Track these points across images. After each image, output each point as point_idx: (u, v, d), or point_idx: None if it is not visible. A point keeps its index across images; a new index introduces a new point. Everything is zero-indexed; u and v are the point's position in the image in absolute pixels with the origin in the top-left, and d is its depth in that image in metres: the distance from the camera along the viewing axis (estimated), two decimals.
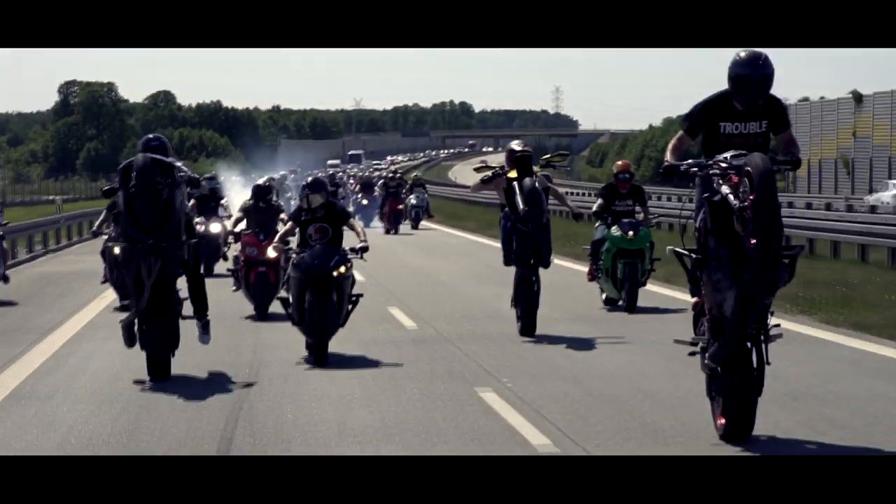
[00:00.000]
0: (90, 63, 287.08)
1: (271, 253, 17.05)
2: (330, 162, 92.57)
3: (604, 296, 19.52)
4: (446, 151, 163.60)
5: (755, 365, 9.78)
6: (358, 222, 15.84)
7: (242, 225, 19.32)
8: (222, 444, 10.41)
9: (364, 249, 14.76)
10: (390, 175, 49.00)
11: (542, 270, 16.31)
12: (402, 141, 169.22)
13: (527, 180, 16.14)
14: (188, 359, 14.05)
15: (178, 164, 13.71)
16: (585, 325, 17.50)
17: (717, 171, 9.65)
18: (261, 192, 19.71)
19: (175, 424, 11.16)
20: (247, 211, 19.46)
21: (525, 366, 14.10)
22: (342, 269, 14.46)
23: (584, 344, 15.65)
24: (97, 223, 20.67)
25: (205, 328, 13.97)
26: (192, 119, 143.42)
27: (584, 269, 20.49)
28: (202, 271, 14.44)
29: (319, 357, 14.23)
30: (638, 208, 19.74)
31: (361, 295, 15.16)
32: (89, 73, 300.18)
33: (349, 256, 14.62)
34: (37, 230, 35.93)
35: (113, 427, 11.09)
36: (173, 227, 13.30)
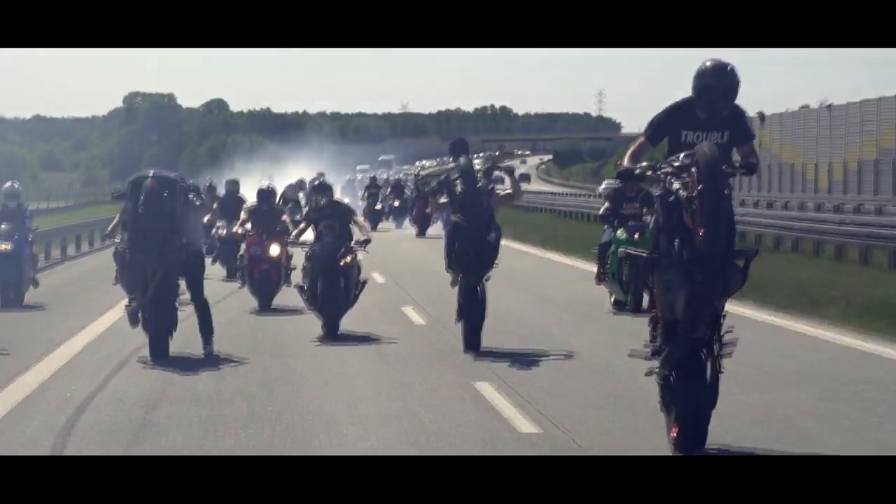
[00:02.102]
0: (145, 70, 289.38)
1: (273, 251, 18.81)
2: (359, 167, 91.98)
3: (612, 298, 18.81)
4: (479, 155, 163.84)
5: (709, 373, 9.10)
6: (361, 219, 17.06)
7: (248, 226, 19.97)
8: (230, 417, 10.96)
9: (367, 242, 16.18)
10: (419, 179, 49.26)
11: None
12: (442, 145, 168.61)
13: (462, 159, 14.67)
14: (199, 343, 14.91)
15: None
16: (592, 326, 17.08)
17: (670, 170, 9.03)
18: (264, 196, 20.39)
19: (193, 394, 12.10)
20: (251, 213, 20.27)
21: (526, 362, 13.77)
22: (348, 259, 15.94)
23: (588, 344, 15.11)
24: (110, 227, 20.45)
25: (206, 343, 14.80)
26: (243, 125, 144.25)
27: (594, 270, 19.82)
28: (226, 273, 17.03)
29: (330, 334, 15.71)
30: (645, 210, 18.97)
31: (367, 281, 16.57)
32: (142, 80, 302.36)
33: (354, 248, 16.07)
34: (67, 234, 35.66)
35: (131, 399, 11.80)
36: (175, 236, 14.39)
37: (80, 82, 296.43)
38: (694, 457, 8.65)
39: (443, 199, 15.00)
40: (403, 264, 26.71)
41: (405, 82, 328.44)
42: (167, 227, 14.31)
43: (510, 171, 15.31)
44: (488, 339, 15.34)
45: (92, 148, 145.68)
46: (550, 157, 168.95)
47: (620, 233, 18.50)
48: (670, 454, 9.02)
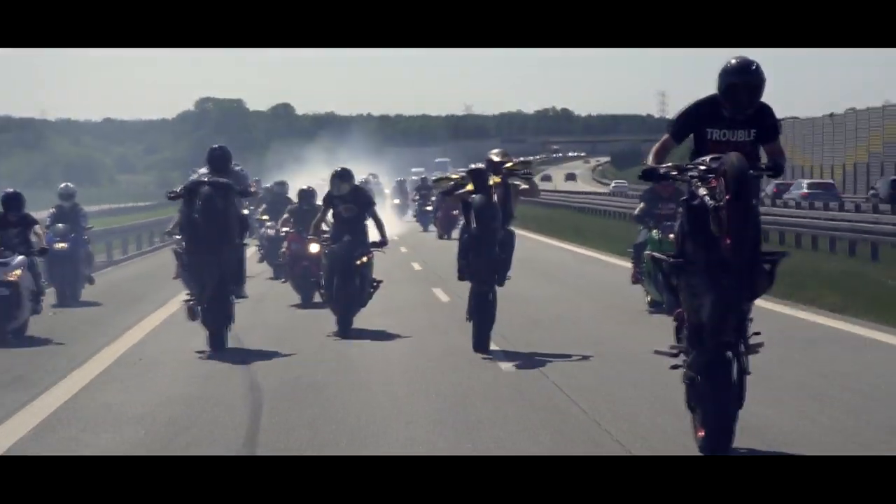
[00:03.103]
0: (212, 73, 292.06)
1: (313, 248, 18.90)
2: (414, 170, 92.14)
3: (648, 298, 18.53)
4: (536, 157, 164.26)
5: (735, 375, 8.81)
6: (379, 216, 16.89)
7: (290, 225, 20.70)
8: (258, 399, 11.55)
9: (383, 244, 16.53)
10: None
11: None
12: (501, 146, 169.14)
13: (478, 197, 14.15)
14: (247, 335, 15.78)
15: (238, 168, 15.56)
16: (628, 325, 16.98)
17: (696, 175, 8.77)
18: (305, 196, 21.02)
19: (229, 382, 12.71)
20: (293, 212, 20.89)
21: (558, 355, 13.83)
22: (364, 259, 16.27)
23: (620, 340, 15.11)
24: (171, 226, 20.74)
25: (238, 289, 15.50)
26: (308, 128, 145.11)
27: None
28: (273, 272, 17.92)
29: (343, 330, 15.97)
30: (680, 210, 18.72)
31: (381, 281, 16.81)
32: (209, 83, 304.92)
33: (371, 249, 16.40)
34: (119, 235, 35.90)
35: (180, 388, 12.34)
36: (230, 241, 14.89)
37: (148, 85, 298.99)
38: (718, 457, 8.39)
39: (448, 192, 14.86)
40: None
41: (470, 84, 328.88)
42: (223, 231, 14.72)
43: (527, 178, 14.99)
44: (520, 332, 15.52)
45: (163, 151, 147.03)
46: (608, 158, 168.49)
47: (655, 233, 18.18)
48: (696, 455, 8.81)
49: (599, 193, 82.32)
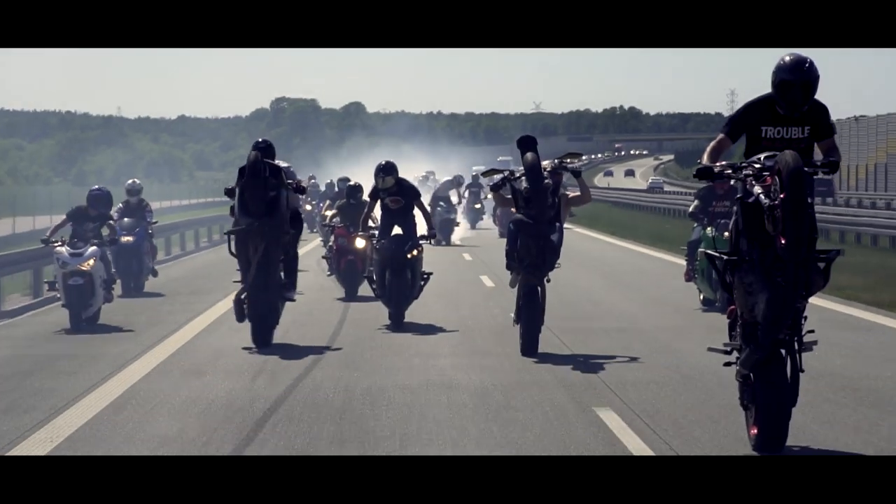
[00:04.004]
0: (285, 72, 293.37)
1: (359, 244, 19.43)
2: (475, 167, 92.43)
3: (701, 296, 18.36)
4: (600, 155, 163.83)
5: (789, 373, 8.79)
6: (426, 207, 17.38)
7: (337, 219, 21.10)
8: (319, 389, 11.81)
9: (432, 236, 16.82)
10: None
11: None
12: (568, 145, 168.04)
13: (528, 155, 13.68)
14: (295, 331, 15.77)
15: (285, 165, 15.14)
16: (680, 322, 16.87)
17: (751, 173, 8.70)
18: (352, 192, 21.32)
19: (282, 374, 12.76)
20: (340, 208, 21.13)
21: (614, 357, 13.67)
22: (414, 252, 16.43)
23: (673, 338, 15.14)
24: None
25: (289, 289, 15.10)
26: (380, 126, 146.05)
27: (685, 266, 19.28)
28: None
29: (396, 323, 16.25)
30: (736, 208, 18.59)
31: (431, 273, 16.99)
32: (282, 82, 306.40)
33: (420, 242, 16.55)
34: (192, 227, 36.55)
35: (228, 385, 12.21)
36: (279, 218, 14.52)
37: (220, 83, 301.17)
38: (771, 457, 8.36)
39: (508, 196, 14.22)
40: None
41: (540, 82, 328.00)
42: (270, 203, 14.36)
43: (577, 174, 14.28)
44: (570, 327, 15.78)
45: (238, 149, 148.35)
46: (671, 157, 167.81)
47: (710, 231, 17.81)
48: (749, 454, 8.78)
49: (632, 189, 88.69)
